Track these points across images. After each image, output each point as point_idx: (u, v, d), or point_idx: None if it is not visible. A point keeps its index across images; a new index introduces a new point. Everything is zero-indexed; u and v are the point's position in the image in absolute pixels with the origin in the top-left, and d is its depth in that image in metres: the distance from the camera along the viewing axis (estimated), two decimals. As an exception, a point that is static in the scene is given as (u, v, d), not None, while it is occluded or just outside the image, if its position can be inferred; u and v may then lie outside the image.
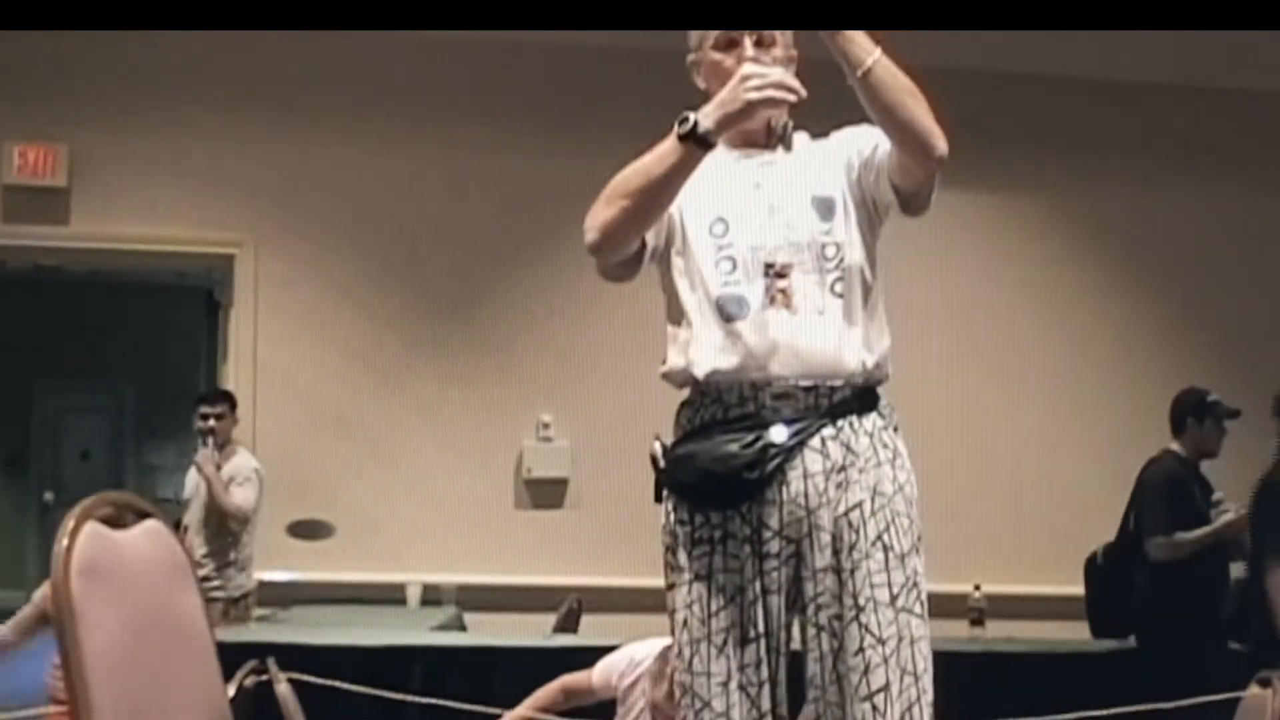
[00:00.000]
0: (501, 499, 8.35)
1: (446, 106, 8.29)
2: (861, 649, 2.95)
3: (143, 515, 3.00)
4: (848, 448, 3.04)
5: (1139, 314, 8.83)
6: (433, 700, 5.30)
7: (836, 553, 2.99)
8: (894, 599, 3.00)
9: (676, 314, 3.14)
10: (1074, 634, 7.42)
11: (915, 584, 3.05)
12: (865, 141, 3.18)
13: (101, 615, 2.68)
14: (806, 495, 2.99)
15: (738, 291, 3.04)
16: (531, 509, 8.36)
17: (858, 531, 3.00)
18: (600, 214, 3.00)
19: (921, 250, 8.55)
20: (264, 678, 4.24)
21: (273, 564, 7.92)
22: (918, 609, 3.03)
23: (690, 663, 3.04)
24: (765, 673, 3.01)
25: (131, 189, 8.08)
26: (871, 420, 3.12)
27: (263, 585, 7.77)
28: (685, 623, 3.06)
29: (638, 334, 8.03)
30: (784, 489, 2.99)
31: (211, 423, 7.63)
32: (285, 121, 8.22)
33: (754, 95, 2.91)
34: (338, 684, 5.02)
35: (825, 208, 3.16)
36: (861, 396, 3.12)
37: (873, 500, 3.04)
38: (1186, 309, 8.81)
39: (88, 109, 8.03)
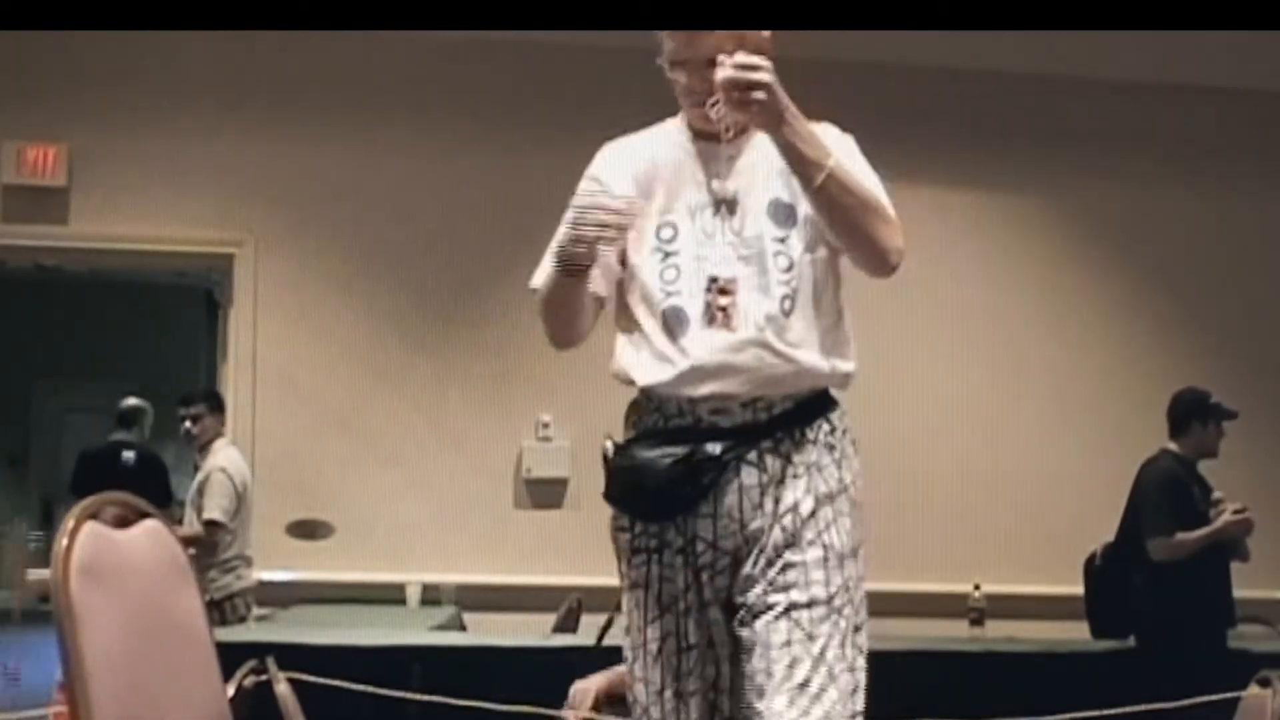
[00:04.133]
0: (501, 499, 8.34)
1: (447, 106, 8.29)
2: (789, 643, 2.88)
3: (143, 515, 3.01)
4: (787, 459, 2.97)
5: (1138, 314, 8.83)
6: (433, 700, 5.30)
7: (774, 556, 2.94)
8: (830, 598, 2.93)
9: (623, 315, 3.11)
10: (1074, 634, 7.41)
11: (852, 587, 2.97)
12: None
13: (101, 614, 2.68)
14: (741, 509, 2.94)
15: (678, 303, 2.98)
16: (531, 509, 8.35)
17: (795, 534, 2.94)
18: (544, 324, 3.12)
19: (920, 250, 8.52)
20: (263, 677, 4.24)
21: (272, 564, 7.92)
22: (848, 611, 2.95)
23: (633, 668, 3.05)
24: (696, 684, 2.99)
25: (132, 188, 8.07)
26: (817, 427, 3.03)
27: (262, 585, 7.77)
28: (628, 629, 3.07)
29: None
30: (718, 503, 2.95)
31: (186, 424, 7.74)
32: (285, 121, 8.22)
33: (574, 231, 2.92)
34: (337, 683, 5.03)
35: (784, 214, 3.05)
36: (807, 405, 3.03)
37: (815, 501, 2.97)
38: (1186, 309, 8.81)
39: (88, 108, 8.03)
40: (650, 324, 3.02)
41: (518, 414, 8.36)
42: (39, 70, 7.97)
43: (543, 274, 3.07)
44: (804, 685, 2.87)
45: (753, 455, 2.95)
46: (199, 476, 7.63)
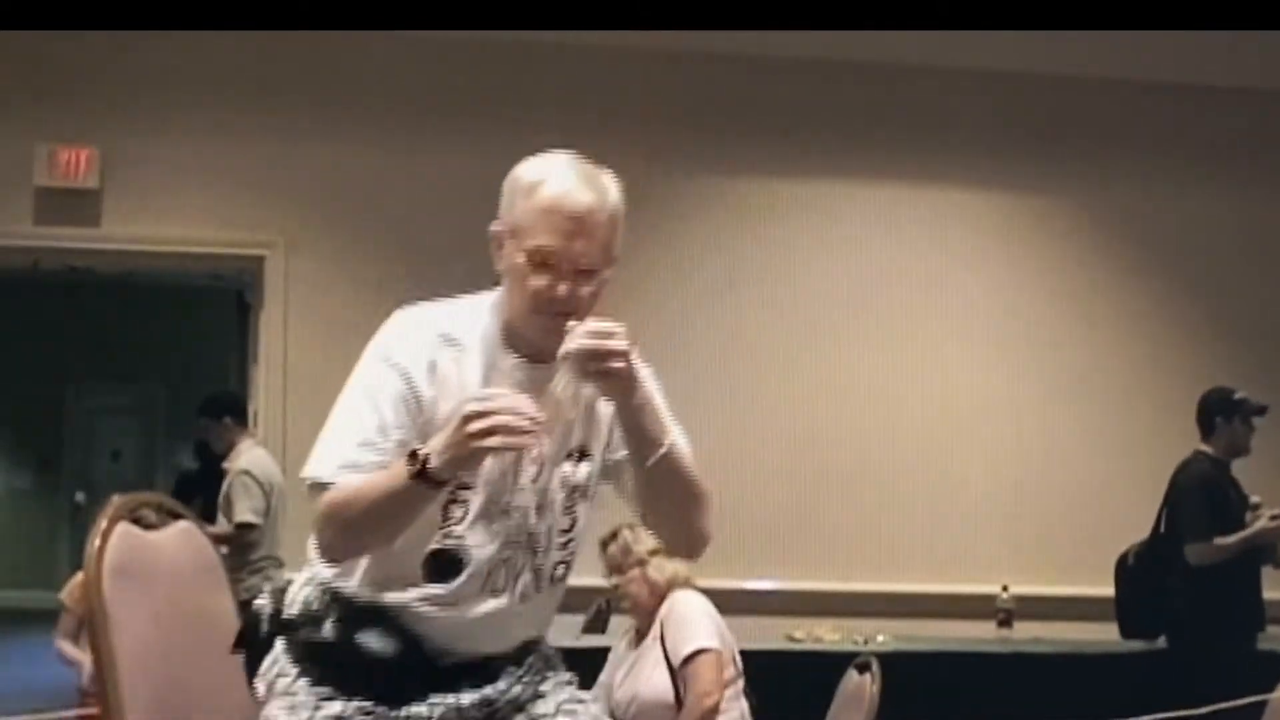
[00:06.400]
0: (530, 500, 8.34)
1: (479, 108, 8.29)
2: None
3: (175, 516, 3.03)
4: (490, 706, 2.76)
5: (1169, 315, 8.80)
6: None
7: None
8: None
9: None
10: (1102, 635, 7.42)
11: None
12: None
13: (133, 614, 2.70)
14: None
15: (453, 549, 2.67)
16: (560, 510, 8.36)
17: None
18: (326, 535, 2.68)
19: (952, 252, 8.55)
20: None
21: (302, 566, 7.93)
22: None
23: None
24: None
25: (163, 190, 8.10)
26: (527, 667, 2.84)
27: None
28: None
29: (644, 337, 8.04)
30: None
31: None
32: (317, 123, 8.23)
33: (478, 443, 2.44)
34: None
35: (586, 459, 2.80)
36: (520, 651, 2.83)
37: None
38: (1217, 309, 8.78)
39: (120, 111, 8.06)
40: (403, 555, 2.66)
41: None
42: (71, 73, 8.00)
43: (381, 478, 2.60)
44: None
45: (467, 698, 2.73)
46: (226, 481, 7.66)
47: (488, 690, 2.72)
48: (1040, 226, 8.71)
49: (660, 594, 5.16)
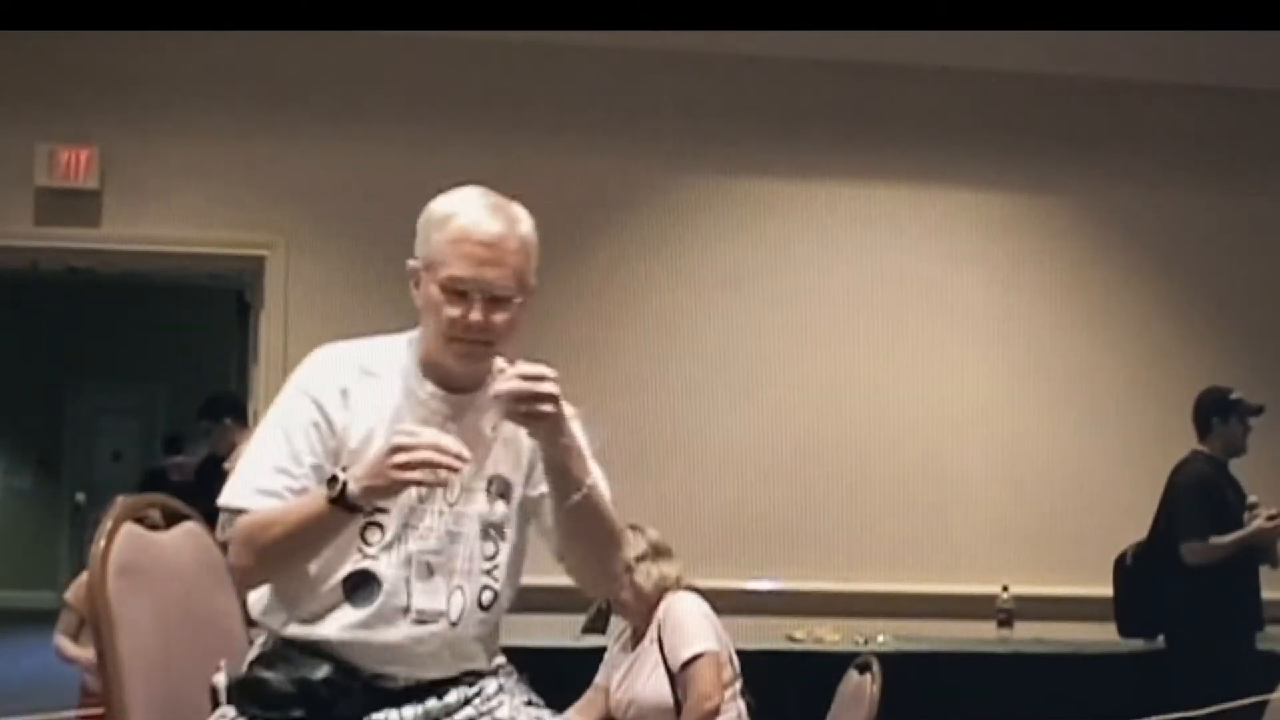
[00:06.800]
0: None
1: (479, 108, 8.30)
2: None
3: (182, 517, 3.04)
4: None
5: (1168, 314, 8.81)
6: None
7: None
8: None
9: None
10: (1102, 635, 7.42)
11: None
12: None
13: (137, 615, 2.71)
14: None
15: (372, 570, 2.73)
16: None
17: None
18: (242, 559, 2.74)
19: (950, 252, 8.55)
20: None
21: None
22: None
23: None
24: None
25: (163, 191, 8.09)
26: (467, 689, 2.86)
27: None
28: None
29: (644, 337, 8.03)
30: None
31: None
32: (317, 123, 8.23)
33: (400, 475, 2.55)
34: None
35: (502, 491, 2.86)
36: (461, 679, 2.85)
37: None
38: (1215, 309, 8.78)
39: (119, 111, 8.05)
40: (319, 570, 2.74)
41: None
42: (70, 73, 8.00)
43: (299, 502, 2.69)
44: None
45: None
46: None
47: (430, 703, 2.77)
48: (1040, 226, 8.71)
49: (649, 599, 5.16)
